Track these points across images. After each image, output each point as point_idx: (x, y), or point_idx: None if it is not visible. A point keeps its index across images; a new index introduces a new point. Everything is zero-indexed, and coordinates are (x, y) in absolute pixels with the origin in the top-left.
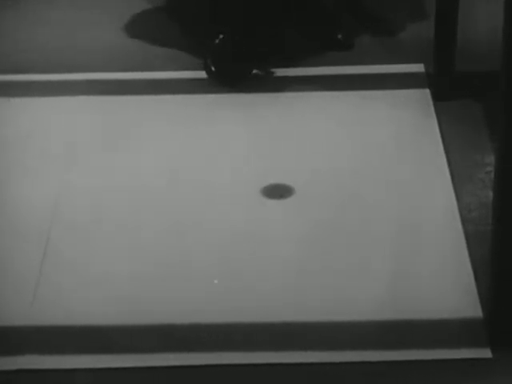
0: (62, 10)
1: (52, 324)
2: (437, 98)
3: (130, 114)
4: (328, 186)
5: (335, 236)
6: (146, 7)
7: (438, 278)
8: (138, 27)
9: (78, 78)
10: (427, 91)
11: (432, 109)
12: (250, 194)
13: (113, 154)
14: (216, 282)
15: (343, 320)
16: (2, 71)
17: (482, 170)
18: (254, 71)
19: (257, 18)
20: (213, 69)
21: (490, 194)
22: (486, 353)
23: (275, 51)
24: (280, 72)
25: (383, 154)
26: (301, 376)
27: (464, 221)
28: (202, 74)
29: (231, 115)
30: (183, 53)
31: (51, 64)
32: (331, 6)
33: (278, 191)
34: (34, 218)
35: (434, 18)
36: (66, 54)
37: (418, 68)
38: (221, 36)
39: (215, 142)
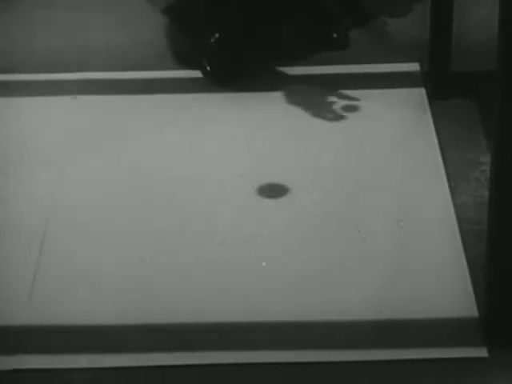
0: (58, 10)
1: (49, 323)
2: (432, 97)
3: (127, 114)
4: (323, 186)
5: (330, 235)
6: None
7: (434, 277)
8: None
9: (73, 77)
10: (422, 90)
11: (427, 108)
12: (245, 193)
13: (109, 154)
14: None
15: (339, 319)
16: None
17: (478, 169)
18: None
19: (253, 17)
20: (208, 68)
21: (486, 192)
22: (482, 352)
23: (272, 50)
24: (275, 71)
25: (378, 153)
26: (298, 375)
27: (459, 220)
28: (198, 74)
29: (227, 114)
30: (179, 52)
31: (46, 63)
32: (328, 5)
33: (273, 190)
34: (30, 217)
35: (430, 16)
36: (61, 53)
37: (413, 67)
38: (216, 35)
39: (210, 141)
